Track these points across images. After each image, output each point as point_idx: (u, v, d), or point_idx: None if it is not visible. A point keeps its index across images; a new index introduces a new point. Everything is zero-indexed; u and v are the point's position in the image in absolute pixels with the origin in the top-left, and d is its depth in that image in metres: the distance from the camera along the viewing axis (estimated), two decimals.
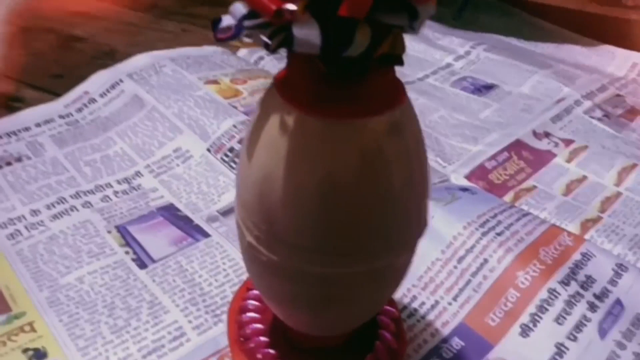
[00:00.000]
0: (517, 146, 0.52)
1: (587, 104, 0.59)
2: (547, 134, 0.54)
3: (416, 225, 0.25)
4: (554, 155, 0.51)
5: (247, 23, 0.18)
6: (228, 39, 0.20)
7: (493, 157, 0.50)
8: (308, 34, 0.17)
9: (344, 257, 0.23)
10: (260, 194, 0.22)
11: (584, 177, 0.49)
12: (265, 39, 0.18)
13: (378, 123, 0.21)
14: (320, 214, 0.21)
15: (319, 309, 0.25)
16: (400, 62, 0.20)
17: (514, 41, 0.76)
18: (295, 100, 0.21)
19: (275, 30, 0.18)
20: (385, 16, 0.17)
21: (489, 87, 0.63)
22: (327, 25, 0.17)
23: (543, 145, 0.52)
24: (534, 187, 0.47)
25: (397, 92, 0.22)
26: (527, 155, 0.51)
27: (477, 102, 0.60)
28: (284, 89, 0.22)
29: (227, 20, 0.20)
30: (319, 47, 0.17)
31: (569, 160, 0.51)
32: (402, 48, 0.20)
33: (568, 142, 0.53)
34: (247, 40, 0.20)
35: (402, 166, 0.22)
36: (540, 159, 0.51)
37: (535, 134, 0.54)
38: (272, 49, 0.18)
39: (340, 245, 0.22)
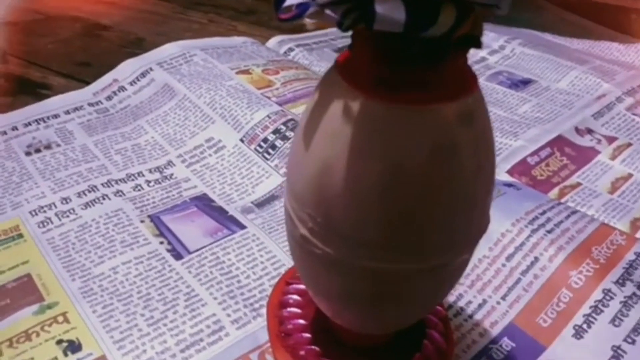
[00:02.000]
0: (559, 142, 0.50)
1: (629, 100, 0.57)
2: (589, 131, 0.52)
3: (479, 222, 0.23)
4: (598, 152, 0.49)
5: (320, 0, 0.17)
6: (290, 19, 0.18)
7: (535, 152, 0.48)
8: (392, 10, 0.16)
9: (406, 254, 0.21)
10: (318, 184, 0.21)
11: (630, 175, 0.47)
12: (337, 16, 0.17)
13: (451, 110, 0.19)
14: (384, 206, 0.20)
15: (373, 307, 0.24)
16: (479, 45, 0.19)
17: (548, 36, 0.74)
18: (361, 85, 0.20)
19: (349, 8, 0.17)
20: None
21: (526, 82, 0.61)
22: (410, 2, 0.16)
23: (585, 141, 0.51)
24: (579, 184, 0.45)
25: (469, 78, 0.21)
26: (569, 152, 0.49)
27: (514, 97, 0.58)
28: (347, 73, 0.20)
29: None
30: (403, 25, 0.16)
31: (612, 158, 0.49)
32: (481, 29, 0.19)
33: (611, 139, 0.51)
34: (308, 20, 0.18)
35: (472, 158, 0.20)
36: (584, 155, 0.49)
37: (577, 130, 0.52)
38: (345, 28, 0.17)
39: (404, 241, 0.21)
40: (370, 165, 0.20)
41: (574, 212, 0.38)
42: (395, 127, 0.19)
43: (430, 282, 0.23)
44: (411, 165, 0.19)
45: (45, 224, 0.38)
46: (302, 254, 0.24)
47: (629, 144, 0.51)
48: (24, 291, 0.33)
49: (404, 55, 0.18)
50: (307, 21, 0.17)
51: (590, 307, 0.33)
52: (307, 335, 0.30)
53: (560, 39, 0.74)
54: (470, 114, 0.20)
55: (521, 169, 0.46)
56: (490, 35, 0.72)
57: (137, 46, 0.68)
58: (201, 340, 0.31)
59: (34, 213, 0.39)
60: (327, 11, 0.17)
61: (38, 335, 0.30)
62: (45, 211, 0.40)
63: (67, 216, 0.39)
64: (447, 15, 0.16)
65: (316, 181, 0.21)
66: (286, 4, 0.18)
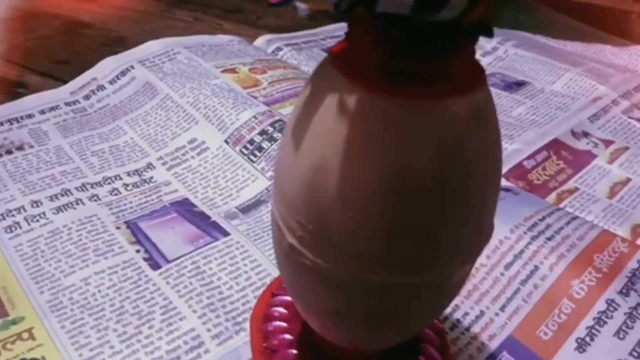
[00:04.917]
0: (555, 145, 0.48)
1: (625, 103, 0.56)
2: (585, 134, 0.51)
3: (485, 230, 0.21)
4: (595, 156, 0.48)
5: None
6: (281, 3, 0.16)
7: (531, 156, 0.46)
8: None
9: (408, 266, 0.19)
10: (311, 189, 0.19)
11: (628, 179, 0.45)
12: None
13: (461, 106, 0.17)
14: (386, 212, 0.18)
15: (368, 324, 0.22)
16: (491, 33, 0.17)
17: (541, 38, 0.73)
18: (360, 77, 0.18)
19: None
20: None
21: (519, 84, 0.59)
22: None
23: (582, 145, 0.49)
24: (577, 188, 0.44)
25: (478, 72, 0.19)
26: (566, 155, 0.47)
27: (508, 99, 0.56)
28: (343, 64, 0.18)
29: None
30: (410, 5, 0.14)
31: (610, 162, 0.47)
32: (493, 15, 0.17)
33: (608, 142, 0.50)
34: (301, 5, 0.16)
35: (482, 159, 0.19)
36: (580, 159, 0.47)
37: (573, 133, 0.50)
38: (342, 10, 0.15)
39: (407, 252, 0.19)
40: (371, 166, 0.18)
41: (574, 218, 0.37)
42: (399, 125, 0.17)
43: (434, 296, 0.21)
44: (417, 167, 0.17)
45: (13, 228, 0.36)
46: (290, 265, 0.22)
47: (626, 148, 0.49)
48: None
49: (409, 43, 0.16)
50: (299, 5, 0.15)
51: (594, 319, 0.31)
52: (294, 351, 0.28)
53: (553, 41, 0.73)
54: (480, 110, 0.18)
55: (517, 172, 0.44)
56: (483, 37, 0.70)
57: (119, 44, 0.65)
58: (178, 357, 0.28)
59: (1, 217, 0.37)
60: None
61: (0, 354, 0.27)
62: (13, 215, 0.37)
63: (37, 220, 0.36)
64: None
65: (308, 185, 0.19)
66: None
